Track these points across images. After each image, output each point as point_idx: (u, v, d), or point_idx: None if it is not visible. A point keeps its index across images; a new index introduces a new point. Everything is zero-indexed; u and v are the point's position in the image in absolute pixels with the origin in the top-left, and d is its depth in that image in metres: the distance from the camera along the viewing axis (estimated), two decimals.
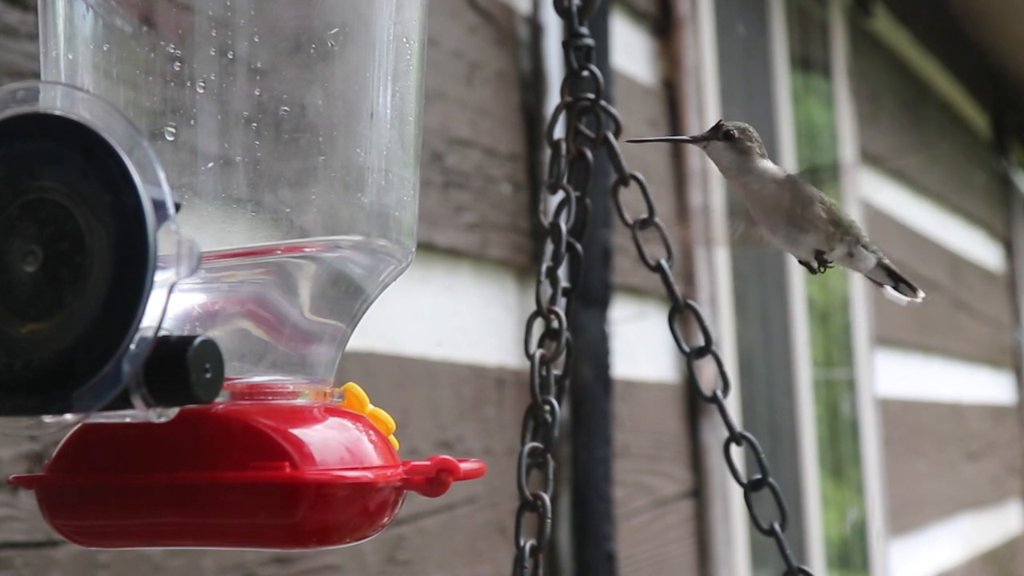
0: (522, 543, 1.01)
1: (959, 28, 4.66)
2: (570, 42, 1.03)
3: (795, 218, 0.84)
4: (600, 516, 1.88)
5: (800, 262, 0.89)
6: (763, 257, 3.01)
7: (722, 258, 2.41)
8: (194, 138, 0.72)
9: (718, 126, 0.84)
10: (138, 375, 0.59)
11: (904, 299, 0.90)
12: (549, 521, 1.00)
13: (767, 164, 0.84)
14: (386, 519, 0.72)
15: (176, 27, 0.73)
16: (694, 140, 0.85)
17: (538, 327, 1.05)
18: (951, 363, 4.39)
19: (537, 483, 1.01)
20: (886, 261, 0.89)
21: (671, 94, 2.33)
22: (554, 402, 1.03)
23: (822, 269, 0.87)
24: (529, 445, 1.01)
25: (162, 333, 0.59)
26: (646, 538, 2.12)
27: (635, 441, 2.10)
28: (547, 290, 1.04)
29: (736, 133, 0.83)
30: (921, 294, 0.90)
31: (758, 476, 1.04)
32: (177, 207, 0.59)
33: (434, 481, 0.72)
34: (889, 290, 0.90)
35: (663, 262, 1.04)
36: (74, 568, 1.11)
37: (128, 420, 0.64)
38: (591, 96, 1.03)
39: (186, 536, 0.72)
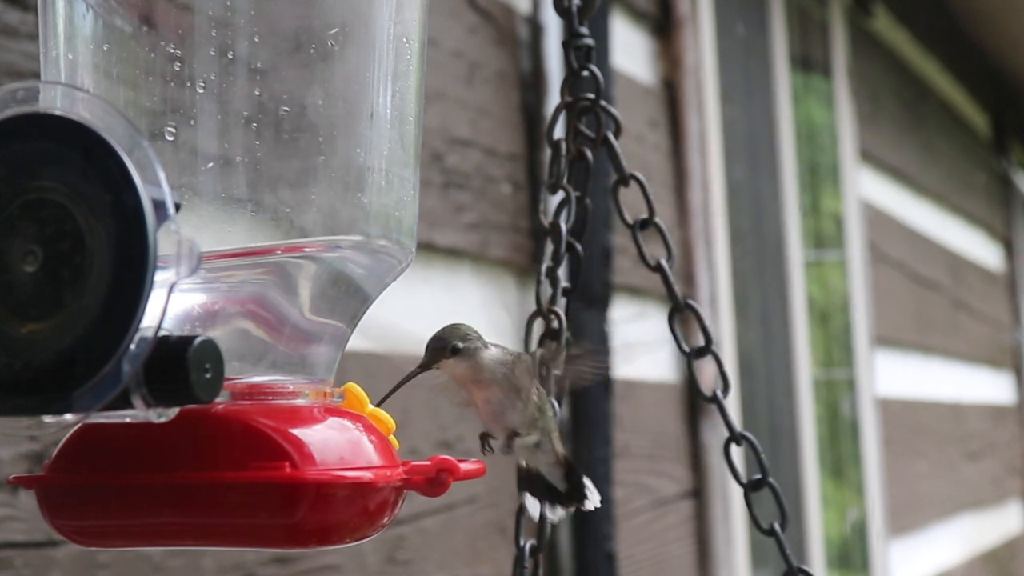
0: (522, 543, 1.01)
1: (959, 28, 4.66)
2: (570, 42, 1.03)
3: (508, 397, 0.85)
4: (600, 516, 1.88)
5: (480, 437, 0.89)
6: (763, 257, 3.02)
7: (722, 258, 2.41)
8: (194, 138, 0.72)
9: (441, 343, 0.84)
10: (138, 375, 0.59)
11: (554, 516, 0.90)
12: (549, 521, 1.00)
13: (491, 352, 0.84)
14: (386, 519, 0.72)
15: (176, 27, 0.73)
16: (424, 368, 0.85)
17: (538, 327, 1.05)
18: (951, 363, 4.39)
19: None
20: (567, 457, 0.89)
21: (671, 94, 2.33)
22: (554, 402, 1.03)
23: (505, 451, 0.87)
24: None
25: (162, 333, 0.59)
26: (646, 538, 2.12)
27: (635, 441, 2.10)
28: (547, 290, 1.04)
29: (460, 344, 0.84)
30: (590, 501, 0.89)
31: (758, 476, 1.04)
32: (177, 207, 0.59)
33: (434, 481, 0.72)
34: (531, 502, 0.90)
35: (663, 262, 1.04)
36: (74, 568, 1.11)
37: (128, 420, 0.64)
38: (591, 96, 1.03)
39: (186, 536, 0.72)
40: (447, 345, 0.84)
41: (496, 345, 0.86)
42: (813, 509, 3.02)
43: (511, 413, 0.85)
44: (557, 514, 0.91)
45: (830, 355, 3.46)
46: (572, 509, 0.91)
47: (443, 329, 0.84)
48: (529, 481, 0.90)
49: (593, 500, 0.90)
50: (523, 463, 0.89)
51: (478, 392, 0.86)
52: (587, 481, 0.90)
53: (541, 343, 1.05)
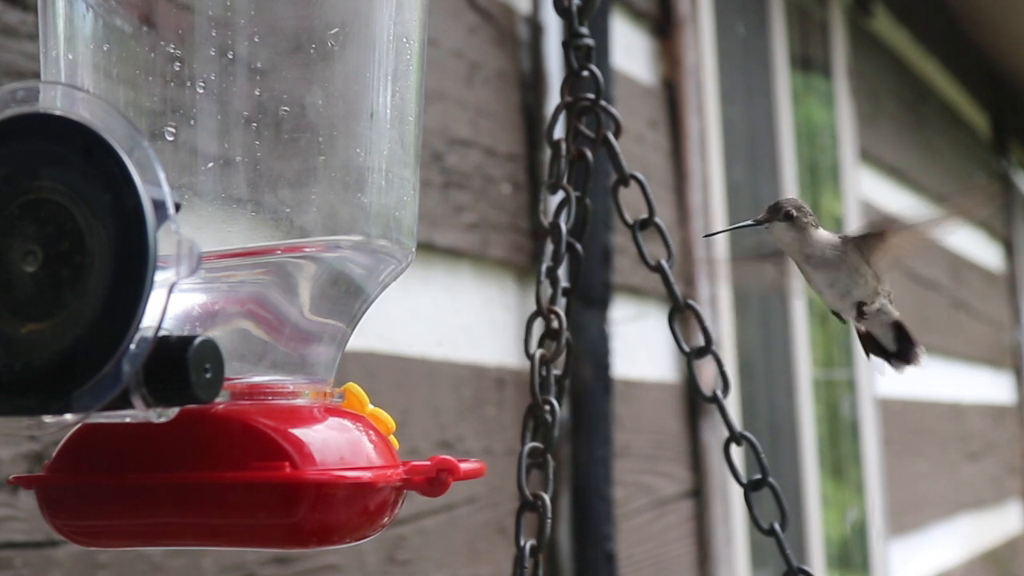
0: (522, 543, 1.01)
1: (959, 28, 4.66)
2: (570, 42, 1.03)
3: (850, 277, 0.92)
4: (600, 516, 1.88)
5: (833, 312, 0.97)
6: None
7: (722, 258, 2.41)
8: (194, 138, 0.72)
9: (777, 207, 0.92)
10: (138, 375, 0.59)
11: (892, 370, 0.98)
12: (549, 521, 1.00)
13: (821, 233, 0.92)
14: (386, 519, 0.72)
15: (176, 27, 0.73)
16: (757, 223, 0.93)
17: (538, 327, 1.05)
18: (951, 363, 4.39)
19: (537, 483, 1.01)
20: (902, 321, 0.98)
21: (671, 94, 2.33)
22: (554, 402, 1.03)
23: (857, 321, 0.95)
24: (529, 445, 1.01)
25: (162, 333, 0.59)
26: (646, 538, 2.12)
27: (635, 441, 2.10)
28: (547, 290, 1.04)
29: (795, 212, 0.91)
30: (917, 364, 0.98)
31: (758, 476, 1.04)
32: (177, 207, 0.59)
33: (434, 481, 0.72)
34: (876, 361, 0.99)
35: (663, 262, 1.04)
36: (74, 568, 1.11)
37: (128, 420, 0.64)
38: (591, 96, 1.03)
39: (186, 536, 0.72)
40: (782, 209, 0.90)
41: (827, 230, 0.92)
42: (813, 509, 3.02)
43: (856, 289, 0.92)
44: (894, 369, 0.97)
45: (830, 355, 3.46)
46: (902, 367, 0.97)
47: (784, 198, 0.91)
48: (866, 341, 0.96)
49: (920, 360, 0.97)
50: (861, 327, 0.95)
51: (816, 275, 0.91)
52: (917, 343, 0.97)
53: (541, 343, 1.05)
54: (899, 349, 0.98)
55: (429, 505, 1.56)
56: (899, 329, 0.97)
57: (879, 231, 0.94)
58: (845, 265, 0.92)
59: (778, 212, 0.92)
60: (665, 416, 2.25)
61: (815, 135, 3.45)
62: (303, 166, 0.74)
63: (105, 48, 0.73)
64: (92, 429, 0.69)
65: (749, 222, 0.91)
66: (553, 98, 1.82)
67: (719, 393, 1.05)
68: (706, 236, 0.87)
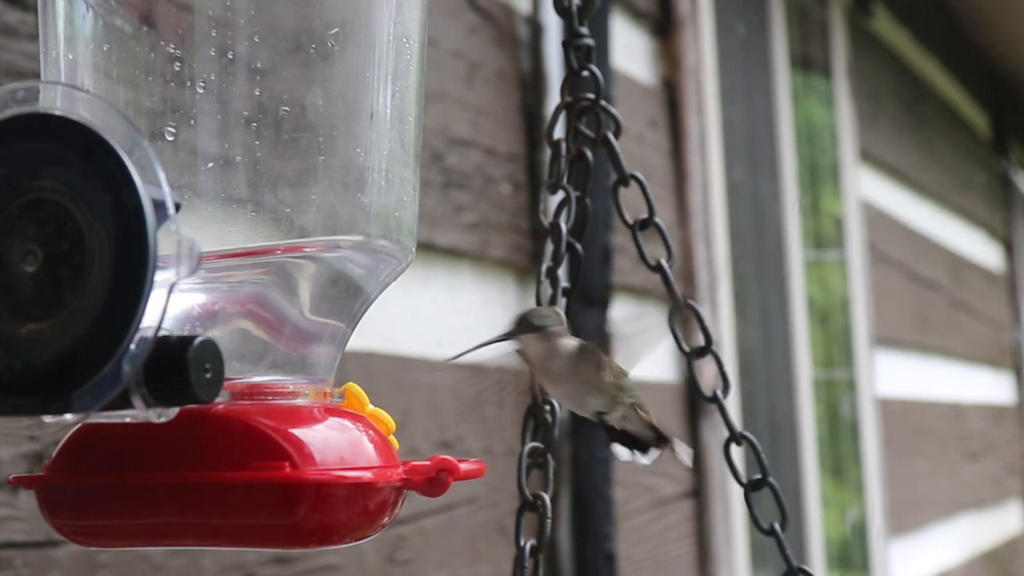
0: (522, 543, 1.01)
1: (959, 28, 4.66)
2: (570, 42, 1.03)
3: (583, 388, 0.88)
4: (600, 516, 1.88)
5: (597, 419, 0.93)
6: (763, 257, 3.02)
7: (722, 258, 2.41)
8: (194, 138, 0.72)
9: (524, 319, 0.86)
10: (138, 375, 0.59)
11: (646, 460, 0.94)
12: (549, 521, 1.00)
13: (566, 342, 0.87)
14: (386, 519, 0.72)
15: (176, 27, 0.73)
16: (506, 337, 0.86)
17: None
18: (951, 363, 4.39)
19: (537, 483, 1.01)
20: (652, 421, 0.93)
21: (671, 94, 2.33)
22: (554, 402, 1.03)
23: (604, 432, 0.92)
24: (529, 445, 1.01)
25: (162, 333, 0.59)
26: (646, 538, 2.12)
27: None
28: (547, 290, 1.04)
29: (542, 324, 0.86)
30: (679, 453, 0.94)
31: (758, 476, 1.04)
32: (177, 207, 0.59)
33: (434, 481, 0.72)
34: (624, 452, 0.94)
35: (663, 262, 1.04)
36: (74, 568, 1.11)
37: (128, 420, 0.64)
38: (591, 96, 1.03)
39: (186, 536, 0.72)
40: (530, 323, 0.86)
41: (573, 338, 0.88)
42: (813, 509, 3.02)
43: (591, 400, 0.88)
44: (648, 457, 0.94)
45: (830, 355, 3.46)
46: (661, 452, 0.94)
47: (530, 308, 0.87)
48: (617, 436, 0.93)
49: (683, 453, 0.94)
50: (614, 425, 0.92)
51: (554, 387, 0.88)
52: (673, 441, 0.94)
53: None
54: (657, 439, 0.94)
55: (429, 505, 1.56)
56: (654, 428, 0.93)
57: (608, 357, 0.89)
58: (575, 379, 0.87)
59: (526, 324, 0.86)
60: (665, 416, 2.25)
61: (815, 135, 3.45)
62: (303, 166, 0.74)
63: (105, 48, 0.73)
64: (92, 429, 0.69)
65: (497, 337, 0.86)
66: (553, 98, 1.82)
67: (719, 393, 1.04)
68: (451, 359, 0.80)
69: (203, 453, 0.68)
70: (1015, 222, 5.63)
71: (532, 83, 1.87)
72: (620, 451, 0.93)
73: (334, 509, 0.68)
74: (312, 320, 0.76)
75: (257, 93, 0.73)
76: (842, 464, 3.42)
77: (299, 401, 0.73)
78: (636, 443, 0.93)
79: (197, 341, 0.60)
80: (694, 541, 2.28)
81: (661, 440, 0.93)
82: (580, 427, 1.88)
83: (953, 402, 4.36)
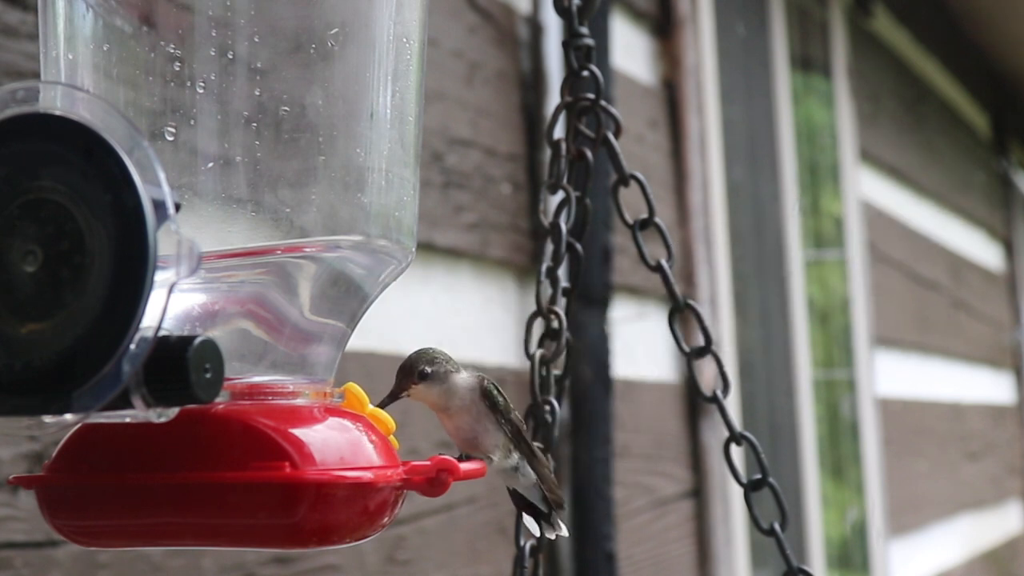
0: (522, 543, 1.01)
1: (959, 28, 4.66)
2: (570, 42, 1.03)
3: (478, 423, 0.83)
4: (600, 516, 1.88)
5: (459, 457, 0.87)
6: (763, 257, 3.02)
7: (722, 258, 2.41)
8: (194, 138, 0.72)
9: (408, 369, 0.82)
10: (138, 375, 0.59)
11: (538, 532, 0.90)
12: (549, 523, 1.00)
13: (462, 378, 0.83)
14: (386, 519, 0.72)
15: (176, 27, 0.73)
16: (393, 397, 0.82)
17: (538, 327, 1.05)
18: (951, 363, 4.39)
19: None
20: (546, 478, 0.87)
21: (671, 94, 2.33)
22: (554, 402, 1.03)
23: (494, 470, 0.86)
24: None
25: (162, 333, 0.59)
26: (646, 538, 2.12)
27: (635, 441, 2.10)
28: (547, 290, 1.04)
29: (429, 369, 0.82)
30: (559, 531, 0.90)
31: (758, 476, 1.04)
32: (177, 207, 0.59)
33: (434, 481, 0.72)
34: (528, 521, 0.90)
35: (663, 262, 1.04)
36: (74, 568, 1.11)
37: (128, 420, 0.64)
38: (591, 96, 1.03)
39: (186, 536, 0.72)
40: (415, 370, 0.81)
41: (467, 368, 0.84)
42: (813, 509, 3.02)
43: (484, 438, 0.83)
44: (547, 532, 0.90)
45: (830, 355, 3.46)
46: (552, 534, 0.90)
47: (411, 355, 0.82)
48: (515, 498, 0.90)
49: (559, 531, 0.90)
50: (507, 484, 0.88)
51: (448, 421, 0.84)
52: (557, 505, 0.89)
53: (541, 343, 1.05)
54: (547, 513, 0.89)
55: (429, 505, 1.56)
56: (545, 493, 0.88)
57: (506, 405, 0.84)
58: (469, 414, 0.82)
59: (412, 374, 0.81)
60: (665, 416, 2.25)
61: (815, 135, 3.45)
62: (303, 166, 0.74)
63: (105, 48, 0.73)
64: (92, 429, 0.69)
65: (386, 400, 0.80)
66: (553, 98, 1.82)
67: (719, 393, 1.05)
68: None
69: (203, 453, 0.68)
70: (1015, 222, 5.63)
71: (532, 83, 1.87)
72: (528, 523, 0.89)
73: (334, 509, 0.68)
74: (312, 320, 0.76)
75: (257, 93, 0.73)
76: (842, 464, 3.42)
77: (299, 401, 0.73)
78: (530, 509, 0.89)
79: (197, 341, 0.60)
80: (694, 541, 2.28)
81: (551, 503, 0.89)
82: (580, 427, 1.88)
83: (953, 402, 4.36)
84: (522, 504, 0.90)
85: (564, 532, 0.91)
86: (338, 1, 0.76)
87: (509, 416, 0.83)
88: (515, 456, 0.85)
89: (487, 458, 0.82)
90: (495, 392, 0.83)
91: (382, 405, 0.79)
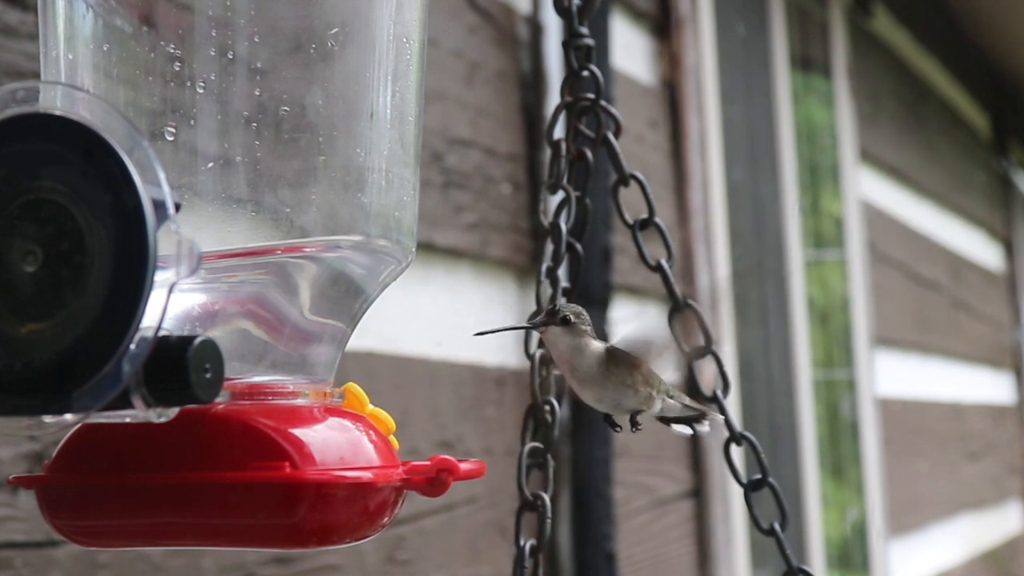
0: (522, 543, 1.01)
1: (959, 28, 4.66)
2: (570, 42, 1.03)
3: (618, 391, 0.88)
4: (600, 516, 1.88)
5: (606, 419, 0.93)
6: (763, 257, 3.02)
7: (722, 258, 2.41)
8: (194, 138, 0.72)
9: (555, 311, 0.86)
10: (138, 375, 0.59)
11: (689, 432, 0.95)
12: (549, 521, 1.00)
13: (594, 345, 0.87)
14: (386, 519, 0.72)
15: (176, 27, 0.73)
16: (534, 326, 0.87)
17: None
18: (951, 363, 4.39)
19: (537, 483, 1.01)
20: (686, 402, 0.94)
21: (671, 94, 2.33)
22: (554, 402, 1.03)
23: (633, 429, 0.91)
24: (529, 445, 1.01)
25: (162, 333, 0.59)
26: (646, 538, 2.12)
27: (635, 441, 2.10)
28: (547, 290, 1.04)
29: (573, 318, 0.86)
30: (706, 425, 0.95)
31: (758, 476, 1.04)
32: (177, 207, 0.59)
33: (434, 481, 0.72)
34: (680, 428, 0.95)
35: (663, 262, 1.04)
36: (74, 568, 1.11)
37: (128, 420, 0.64)
38: (591, 96, 1.03)
39: (186, 536, 0.72)
40: (560, 314, 0.85)
41: (598, 339, 0.87)
42: (813, 509, 3.02)
43: (626, 401, 0.88)
44: (702, 429, 0.94)
45: (830, 355, 3.46)
46: (705, 426, 0.95)
47: (564, 303, 0.87)
48: (665, 422, 0.94)
49: (706, 425, 0.95)
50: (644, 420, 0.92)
51: (584, 391, 0.88)
52: (707, 414, 0.94)
53: (541, 343, 1.05)
54: (699, 418, 0.95)
55: (429, 505, 1.56)
56: (689, 407, 0.93)
57: (636, 356, 0.89)
58: (610, 382, 0.87)
59: (556, 316, 0.86)
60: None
61: (815, 135, 3.45)
62: (303, 166, 0.74)
63: (105, 48, 0.73)
64: (92, 429, 0.69)
65: (525, 324, 0.86)
66: (553, 98, 1.82)
67: (719, 393, 1.05)
68: (477, 334, 0.80)
69: (203, 453, 0.68)
70: (1015, 222, 5.63)
71: (532, 83, 1.87)
72: (679, 429, 0.94)
73: (334, 509, 0.68)
74: (312, 320, 0.76)
75: (257, 93, 0.73)
76: (842, 464, 3.42)
77: (299, 401, 0.73)
78: (683, 421, 0.95)
79: (197, 341, 0.60)
80: (694, 541, 2.28)
81: (699, 415, 0.94)
82: (580, 427, 1.88)
83: (953, 402, 4.36)
84: (668, 421, 0.94)
85: (718, 417, 0.96)
86: (338, 1, 0.76)
87: (635, 377, 0.87)
88: (659, 402, 0.90)
89: (634, 414, 0.88)
90: (620, 354, 0.87)
91: (512, 328, 0.82)
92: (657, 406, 0.90)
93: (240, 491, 0.67)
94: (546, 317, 0.86)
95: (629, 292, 2.09)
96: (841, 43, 3.47)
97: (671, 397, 0.91)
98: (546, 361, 1.04)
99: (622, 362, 0.87)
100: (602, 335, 0.90)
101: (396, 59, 0.76)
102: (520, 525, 1.00)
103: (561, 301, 0.88)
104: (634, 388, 0.88)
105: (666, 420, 0.94)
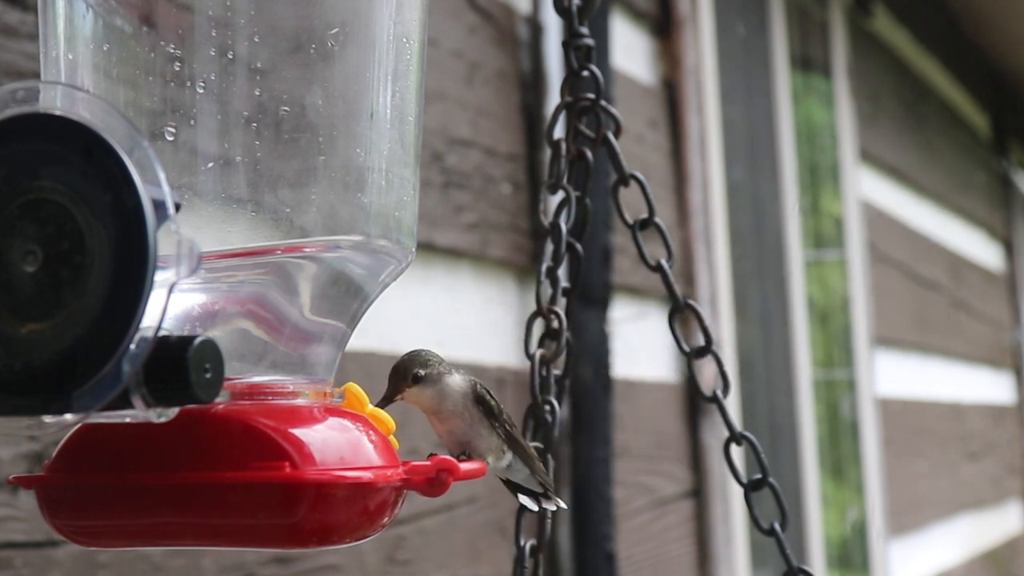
0: (522, 543, 1.01)
1: (959, 28, 4.66)
2: (570, 42, 1.03)
3: (471, 428, 0.83)
4: (600, 516, 1.88)
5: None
6: (763, 257, 3.02)
7: (722, 258, 2.41)
8: (194, 138, 0.72)
9: (402, 372, 0.81)
10: (138, 375, 0.59)
11: (535, 507, 0.90)
12: (549, 521, 1.00)
13: (454, 380, 0.83)
14: (386, 519, 0.72)
15: (176, 27, 0.73)
16: (387, 401, 0.81)
17: (538, 327, 1.05)
18: (951, 363, 4.39)
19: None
20: (539, 472, 0.88)
21: (671, 94, 2.33)
22: (554, 402, 1.03)
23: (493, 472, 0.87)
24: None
25: (162, 333, 0.59)
26: (646, 538, 2.12)
27: (635, 441, 2.10)
28: (547, 290, 1.04)
29: (422, 372, 0.81)
30: (555, 506, 0.91)
31: (758, 476, 1.04)
32: (177, 207, 0.59)
33: (434, 481, 0.72)
34: (524, 499, 0.90)
35: (663, 262, 1.04)
36: (74, 568, 1.11)
37: (128, 420, 0.64)
38: (591, 96, 1.03)
39: (186, 536, 0.72)
40: (409, 373, 0.81)
41: (459, 370, 0.83)
42: (813, 509, 3.02)
43: (478, 442, 0.84)
44: (545, 505, 0.91)
45: (830, 355, 3.46)
46: (551, 507, 0.91)
47: (404, 357, 0.81)
48: (509, 485, 0.90)
49: (555, 506, 0.91)
50: (500, 476, 0.89)
51: (440, 424, 0.84)
52: (551, 496, 0.90)
53: (541, 343, 1.05)
54: (545, 493, 0.90)
55: (429, 505, 1.56)
56: (540, 481, 0.89)
57: (499, 405, 0.85)
58: (463, 419, 0.82)
59: (407, 377, 0.80)
60: (665, 416, 2.25)
61: (815, 135, 3.45)
62: (303, 166, 0.74)
63: (105, 48, 0.73)
64: (92, 429, 0.69)
65: (379, 404, 0.77)
66: (553, 98, 1.82)
67: (719, 393, 1.05)
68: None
69: (203, 453, 0.68)
70: (1015, 222, 5.63)
71: (532, 83, 1.87)
72: (527, 502, 0.90)
73: (334, 509, 0.68)
74: (312, 320, 0.76)
75: (257, 93, 0.73)
76: (842, 464, 3.42)
77: (299, 401, 0.73)
78: (528, 493, 0.90)
79: (197, 341, 0.60)
80: (694, 541, 2.28)
81: (545, 492, 0.90)
82: (580, 427, 1.88)
83: (953, 402, 4.36)
84: (517, 489, 0.90)
85: (563, 505, 0.91)
86: (338, 1, 0.76)
87: (502, 419, 0.83)
88: (508, 456, 0.85)
89: (480, 459, 0.82)
90: (488, 397, 0.83)
91: (379, 407, 0.79)
92: (504, 461, 0.85)
93: (240, 491, 0.67)
94: (395, 383, 0.81)
95: (629, 292, 2.09)
96: (841, 43, 3.47)
97: (524, 461, 0.86)
98: (546, 361, 1.04)
99: (485, 402, 0.84)
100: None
101: (396, 59, 0.76)
102: (520, 525, 1.00)
103: (405, 350, 0.82)
104: (490, 431, 0.83)
105: (511, 485, 0.89)
